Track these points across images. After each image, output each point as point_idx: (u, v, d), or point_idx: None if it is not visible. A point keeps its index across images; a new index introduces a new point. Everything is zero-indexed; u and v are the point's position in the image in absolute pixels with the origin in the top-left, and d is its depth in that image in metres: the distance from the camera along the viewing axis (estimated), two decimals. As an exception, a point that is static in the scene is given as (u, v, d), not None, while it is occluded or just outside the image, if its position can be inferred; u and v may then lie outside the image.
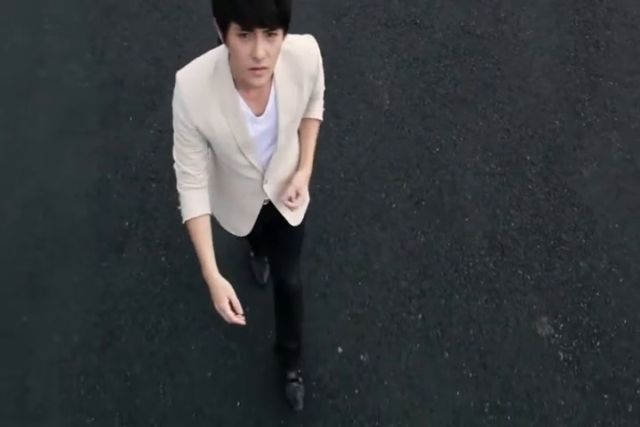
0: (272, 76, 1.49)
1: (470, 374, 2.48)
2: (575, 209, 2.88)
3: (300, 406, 2.36)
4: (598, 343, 2.57)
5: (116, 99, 3.14)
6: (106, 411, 2.37)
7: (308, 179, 1.85)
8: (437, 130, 3.08)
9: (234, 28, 1.30)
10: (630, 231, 2.83)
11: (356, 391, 2.41)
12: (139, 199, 2.83)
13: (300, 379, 2.41)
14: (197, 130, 1.52)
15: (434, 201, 2.86)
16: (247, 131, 1.54)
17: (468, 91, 3.24)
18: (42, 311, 2.57)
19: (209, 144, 1.60)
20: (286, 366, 2.42)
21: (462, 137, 3.06)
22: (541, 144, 3.05)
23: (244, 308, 1.59)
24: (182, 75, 1.51)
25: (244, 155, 1.60)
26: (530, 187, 2.93)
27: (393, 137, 3.05)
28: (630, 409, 2.44)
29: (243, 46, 1.33)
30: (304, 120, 1.78)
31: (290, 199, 1.75)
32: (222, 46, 1.45)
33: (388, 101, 3.18)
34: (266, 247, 2.20)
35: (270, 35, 1.32)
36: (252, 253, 2.61)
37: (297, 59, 1.52)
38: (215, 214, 1.87)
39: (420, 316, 2.60)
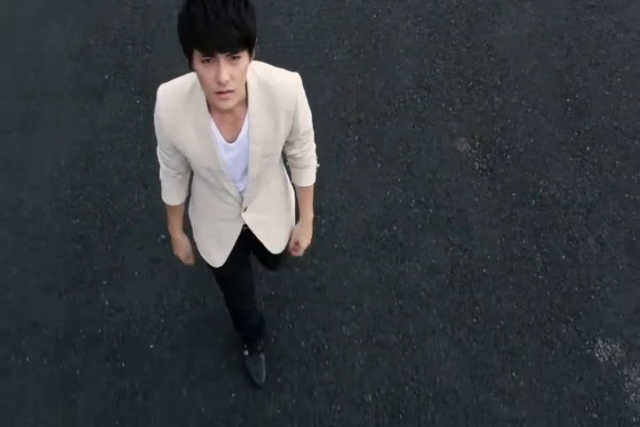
0: (247, 104, 1.41)
1: (399, 179, 2.72)
2: (492, 59, 3.12)
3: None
4: (509, 156, 2.82)
5: (96, -15, 3.39)
6: (88, 214, 2.61)
7: (310, 227, 1.82)
8: (374, 1, 3.32)
9: (197, 55, 1.25)
10: (539, 75, 3.07)
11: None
12: (117, 58, 3.06)
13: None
14: (172, 144, 1.48)
15: (370, 54, 3.10)
16: (217, 156, 1.46)
17: (403, -26, 3.48)
18: (33, 143, 2.81)
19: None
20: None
21: (396, 7, 3.30)
22: (464, 11, 3.30)
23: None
24: (162, 90, 1.45)
25: (217, 179, 1.53)
26: (453, 43, 3.16)
27: (336, 7, 3.29)
28: (533, 203, 2.69)
29: (207, 71, 1.26)
30: (299, 188, 1.75)
31: (294, 249, 1.84)
32: None
33: (332, -19, 3.42)
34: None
35: (234, 58, 1.25)
36: (245, 353, 2.32)
37: (274, 92, 1.42)
38: (195, 237, 1.84)
39: (356, 137, 2.84)
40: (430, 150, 2.81)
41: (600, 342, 2.40)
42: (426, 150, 2.80)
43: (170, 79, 1.43)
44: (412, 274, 2.51)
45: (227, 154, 1.48)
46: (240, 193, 1.59)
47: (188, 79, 1.42)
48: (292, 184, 1.78)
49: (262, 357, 2.28)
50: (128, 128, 2.83)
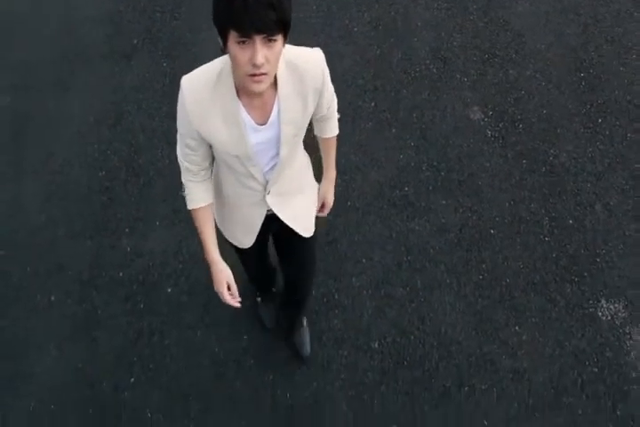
0: (276, 86, 1.42)
1: (412, 144, 2.79)
2: (509, 33, 3.18)
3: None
4: (521, 126, 2.87)
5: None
6: (114, 167, 2.73)
7: (334, 183, 1.86)
8: (395, -22, 3.41)
9: (232, 36, 1.25)
10: (554, 50, 3.12)
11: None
12: (146, 25, 3.19)
13: (305, 323, 2.34)
14: (199, 135, 1.45)
15: (389, 26, 3.18)
16: (247, 140, 1.45)
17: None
18: (65, 101, 2.93)
19: (211, 148, 1.53)
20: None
21: (415, -17, 3.38)
22: (483, -12, 3.37)
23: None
24: (186, 81, 1.43)
25: (244, 165, 1.52)
26: (471, 17, 3.23)
27: (357, -18, 3.38)
28: (543, 170, 2.75)
29: (242, 53, 1.26)
30: (322, 140, 1.75)
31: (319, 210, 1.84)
32: (227, 55, 1.36)
33: (353, -41, 3.50)
34: (281, 263, 2.04)
35: (269, 40, 1.25)
36: (258, 299, 2.42)
37: (302, 71, 1.43)
38: (219, 224, 1.78)
39: (372, 104, 2.91)
40: (444, 118, 2.87)
41: (603, 301, 2.44)
42: (440, 117, 2.87)
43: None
44: (422, 232, 2.58)
45: (255, 137, 1.46)
46: (264, 177, 1.58)
47: (213, 66, 1.42)
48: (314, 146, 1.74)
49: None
50: (154, 89, 2.94)
